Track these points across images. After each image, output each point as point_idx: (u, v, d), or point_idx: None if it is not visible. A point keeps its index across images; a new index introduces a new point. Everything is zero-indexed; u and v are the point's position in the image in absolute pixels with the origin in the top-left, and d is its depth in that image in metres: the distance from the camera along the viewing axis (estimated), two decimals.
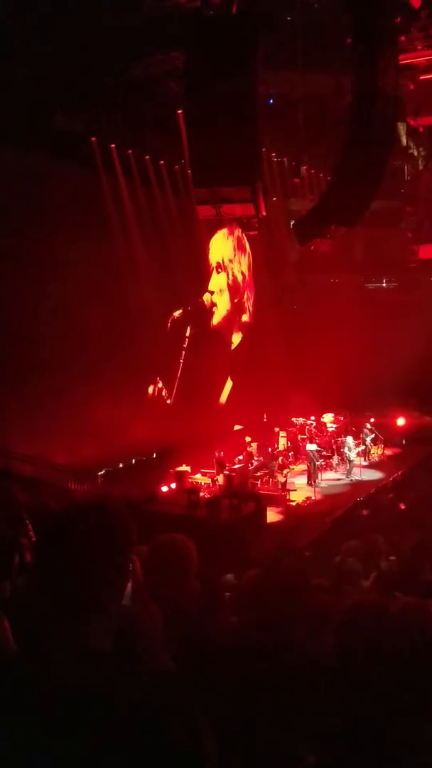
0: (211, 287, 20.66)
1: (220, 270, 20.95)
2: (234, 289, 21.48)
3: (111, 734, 1.32)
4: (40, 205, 14.02)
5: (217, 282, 20.91)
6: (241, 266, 21.76)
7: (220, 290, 21.04)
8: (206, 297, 20.13)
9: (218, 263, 20.87)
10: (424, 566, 6.90)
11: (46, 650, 1.53)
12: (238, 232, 20.48)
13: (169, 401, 18.87)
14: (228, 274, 21.24)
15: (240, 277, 21.69)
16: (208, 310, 20.25)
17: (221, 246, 20.95)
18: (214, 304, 20.79)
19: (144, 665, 1.63)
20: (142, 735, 1.32)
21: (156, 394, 18.55)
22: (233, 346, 21.52)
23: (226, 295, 21.26)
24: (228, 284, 21.29)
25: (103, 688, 1.38)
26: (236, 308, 21.63)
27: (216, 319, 20.89)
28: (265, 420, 20.21)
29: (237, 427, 18.20)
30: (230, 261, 21.31)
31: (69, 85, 13.82)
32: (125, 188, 16.85)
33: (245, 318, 21.95)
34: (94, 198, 15.96)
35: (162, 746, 1.32)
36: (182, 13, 11.92)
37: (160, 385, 18.58)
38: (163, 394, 18.75)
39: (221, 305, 21.06)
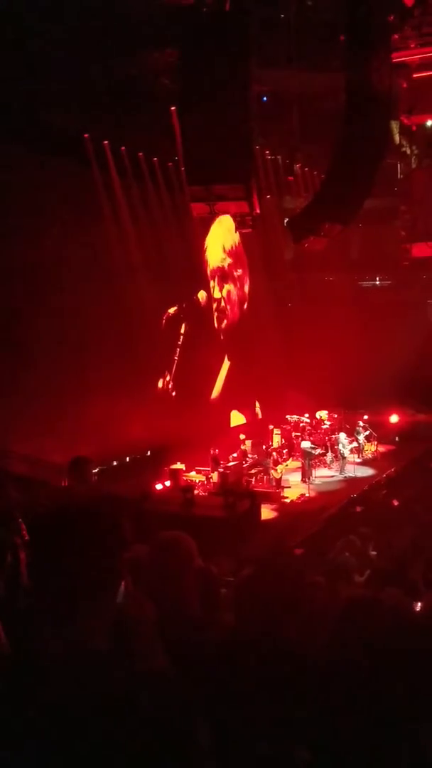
0: (223, 292, 20.80)
1: (217, 273, 20.93)
2: (230, 274, 21.44)
3: (106, 733, 1.32)
4: (33, 202, 13.95)
5: (215, 286, 20.96)
6: (226, 248, 21.43)
7: (225, 295, 21.10)
8: (201, 294, 20.11)
9: (213, 269, 20.82)
10: (416, 563, 6.94)
11: (41, 650, 1.53)
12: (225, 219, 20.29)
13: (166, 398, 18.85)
14: (224, 269, 21.19)
15: (230, 260, 21.48)
16: (207, 308, 20.17)
17: (217, 242, 20.78)
18: (228, 302, 20.89)
19: (139, 664, 1.64)
20: (137, 733, 1.32)
21: (164, 387, 18.54)
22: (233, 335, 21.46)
23: (235, 293, 21.32)
24: (230, 281, 21.29)
25: (97, 687, 1.38)
26: (242, 301, 21.68)
27: (227, 320, 21.01)
28: (260, 417, 20.24)
29: (242, 436, 18.24)
30: (223, 257, 21.18)
31: (62, 80, 13.77)
32: (119, 185, 16.80)
33: (246, 288, 21.88)
34: (87, 194, 15.91)
35: (157, 744, 1.32)
36: (176, 10, 11.90)
37: (160, 384, 18.54)
38: (163, 387, 18.72)
39: (232, 298, 21.17)
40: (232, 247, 21.11)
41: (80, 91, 14.49)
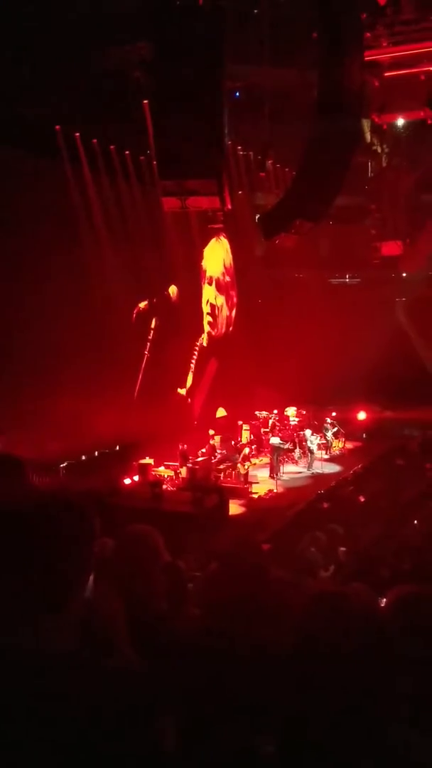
0: (214, 300, 20.94)
1: (215, 281, 21.14)
2: (226, 290, 21.70)
3: (72, 735, 1.30)
4: (1, 194, 13.75)
5: (213, 293, 21.12)
6: (227, 265, 21.82)
7: (220, 304, 21.30)
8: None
9: (211, 277, 21.03)
10: (384, 558, 7.03)
11: (4, 649, 1.50)
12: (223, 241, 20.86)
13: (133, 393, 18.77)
14: (222, 281, 21.46)
15: (228, 279, 21.83)
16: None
17: (218, 255, 21.02)
18: (216, 312, 21.08)
19: (107, 662, 1.63)
20: (104, 735, 1.31)
21: (133, 382, 18.51)
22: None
23: (223, 302, 21.48)
24: (224, 295, 21.54)
25: (64, 687, 1.36)
26: (230, 308, 21.88)
27: (217, 329, 21.24)
28: (224, 415, 20.30)
29: (211, 432, 18.25)
30: (223, 272, 21.46)
31: (34, 72, 13.56)
32: (90, 177, 16.64)
33: (233, 313, 22.16)
34: (57, 186, 15.72)
35: (124, 747, 1.31)
36: (150, 3, 11.81)
37: (130, 379, 18.48)
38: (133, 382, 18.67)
39: (222, 314, 21.34)
40: (230, 269, 21.63)
41: (52, 83, 14.28)
